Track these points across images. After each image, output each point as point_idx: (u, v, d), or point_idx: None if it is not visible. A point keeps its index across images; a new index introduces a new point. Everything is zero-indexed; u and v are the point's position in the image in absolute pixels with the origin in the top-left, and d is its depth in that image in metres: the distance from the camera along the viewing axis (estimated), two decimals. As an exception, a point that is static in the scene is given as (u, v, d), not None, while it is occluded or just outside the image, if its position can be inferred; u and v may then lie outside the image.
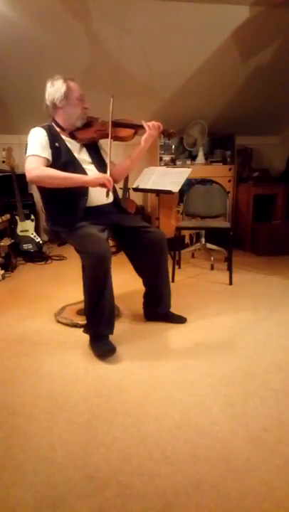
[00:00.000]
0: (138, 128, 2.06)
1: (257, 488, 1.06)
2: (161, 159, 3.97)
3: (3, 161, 3.70)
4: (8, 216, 3.61)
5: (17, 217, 3.75)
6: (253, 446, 1.23)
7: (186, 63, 3.34)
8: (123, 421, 1.36)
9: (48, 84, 1.95)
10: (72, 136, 2.01)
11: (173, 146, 4.07)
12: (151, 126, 2.03)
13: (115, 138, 2.03)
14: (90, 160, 2.03)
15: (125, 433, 1.30)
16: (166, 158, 4.00)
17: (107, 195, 1.86)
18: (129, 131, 2.05)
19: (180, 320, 2.19)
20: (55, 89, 1.92)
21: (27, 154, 1.87)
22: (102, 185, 1.83)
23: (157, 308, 2.17)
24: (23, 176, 3.93)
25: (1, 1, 2.61)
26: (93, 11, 2.75)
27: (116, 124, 2.03)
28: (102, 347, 1.81)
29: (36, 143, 1.88)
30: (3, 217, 3.48)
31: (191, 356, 1.81)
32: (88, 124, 2.03)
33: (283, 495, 1.04)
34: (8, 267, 3.26)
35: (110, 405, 1.45)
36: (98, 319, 1.81)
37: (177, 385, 1.57)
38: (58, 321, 2.21)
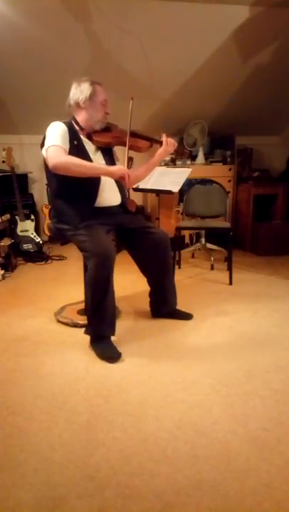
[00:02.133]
0: (154, 142, 2.13)
1: (257, 488, 1.06)
2: (161, 159, 3.97)
3: (3, 161, 3.70)
4: (8, 216, 3.61)
5: (17, 217, 3.74)
6: (253, 446, 1.23)
7: (186, 63, 3.34)
8: (123, 421, 1.36)
9: (74, 85, 1.97)
10: (89, 137, 2.02)
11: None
12: (168, 143, 2.11)
13: (131, 147, 2.05)
14: (103, 163, 2.04)
15: (125, 433, 1.30)
16: (166, 158, 3.99)
17: (125, 188, 1.96)
18: (145, 143, 2.10)
19: (186, 317, 2.23)
20: (81, 90, 1.95)
21: (47, 145, 1.86)
22: (122, 178, 1.88)
23: (163, 307, 2.21)
24: (23, 176, 3.99)
25: (1, 1, 2.61)
26: (93, 11, 2.75)
27: (134, 135, 2.06)
28: (107, 350, 1.80)
29: (57, 134, 1.88)
30: (3, 217, 3.48)
31: (191, 356, 1.81)
32: (107, 129, 2.05)
33: (283, 495, 1.04)
34: (8, 267, 3.26)
35: (110, 405, 1.45)
36: (100, 320, 1.81)
37: (177, 385, 1.57)
38: (58, 321, 2.21)
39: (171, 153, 3.77)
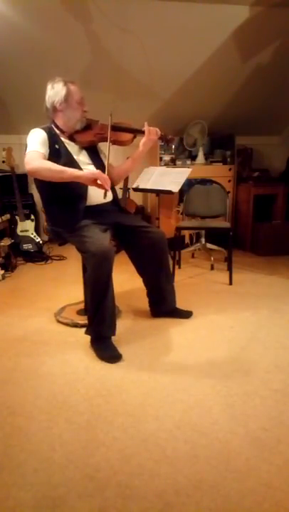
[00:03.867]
0: (137, 132, 2.10)
1: (257, 488, 1.06)
2: (161, 159, 3.97)
3: (3, 161, 3.70)
4: (8, 216, 3.61)
5: (17, 217, 3.74)
6: (253, 446, 1.23)
7: (186, 63, 3.34)
8: (123, 421, 1.36)
9: (49, 87, 1.96)
10: (71, 138, 2.02)
11: (173, 146, 4.07)
12: (150, 131, 2.06)
13: (114, 142, 2.04)
14: (89, 162, 2.04)
15: (125, 433, 1.30)
16: (166, 158, 4.00)
17: (105, 196, 1.78)
18: (128, 136, 2.07)
19: (186, 315, 2.24)
20: (55, 91, 1.93)
21: (27, 151, 1.87)
22: (99, 185, 1.73)
23: (162, 306, 2.22)
24: (23, 176, 4.00)
25: (1, 1, 2.61)
26: (93, 11, 2.75)
27: (115, 128, 2.04)
28: (107, 351, 1.80)
29: (36, 140, 1.89)
30: (3, 217, 3.48)
31: (191, 356, 1.81)
32: (88, 126, 2.04)
33: (283, 495, 1.04)
34: (8, 267, 3.26)
35: (110, 405, 1.45)
36: (101, 321, 1.81)
37: (177, 385, 1.57)
38: (58, 321, 2.21)
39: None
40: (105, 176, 1.74)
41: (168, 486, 1.08)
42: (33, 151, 1.85)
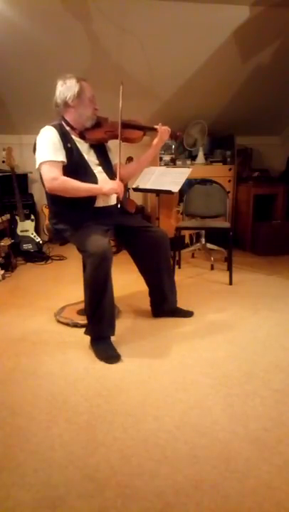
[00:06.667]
0: (147, 130, 2.09)
1: (257, 488, 1.06)
2: (161, 159, 3.97)
3: (3, 161, 3.70)
4: (8, 216, 3.60)
5: (17, 217, 3.74)
6: (253, 446, 1.23)
7: (186, 63, 3.34)
8: (123, 421, 1.36)
9: (60, 83, 1.94)
10: (81, 136, 2.00)
11: (173, 146, 4.07)
12: (161, 131, 2.08)
13: (124, 139, 2.02)
14: (97, 161, 2.03)
15: (125, 433, 1.29)
16: (166, 158, 3.99)
17: (117, 201, 1.97)
18: (138, 133, 2.06)
19: (187, 314, 2.25)
20: (67, 87, 1.92)
21: (41, 160, 1.85)
22: (116, 194, 1.93)
23: (164, 306, 2.22)
24: (23, 176, 3.99)
25: (1, 1, 2.61)
26: (93, 11, 2.75)
27: (126, 126, 2.03)
28: (106, 351, 1.80)
29: (49, 146, 1.86)
30: (3, 217, 3.47)
31: (191, 356, 1.81)
32: (98, 124, 2.03)
33: (283, 495, 1.04)
34: (8, 267, 3.26)
35: (110, 405, 1.45)
36: (99, 320, 1.81)
37: (177, 385, 1.57)
38: (58, 321, 2.21)
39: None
40: (121, 184, 1.93)
41: (168, 486, 1.08)
42: (48, 161, 1.84)
